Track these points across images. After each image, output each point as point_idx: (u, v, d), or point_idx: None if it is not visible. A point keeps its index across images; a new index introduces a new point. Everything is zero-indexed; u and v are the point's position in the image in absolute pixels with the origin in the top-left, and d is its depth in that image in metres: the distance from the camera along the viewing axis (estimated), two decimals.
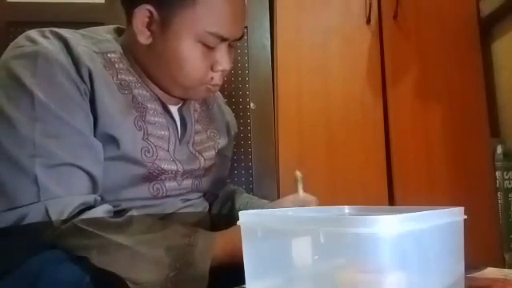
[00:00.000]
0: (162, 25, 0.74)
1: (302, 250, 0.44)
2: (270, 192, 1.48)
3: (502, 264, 1.41)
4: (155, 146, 0.77)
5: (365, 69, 1.53)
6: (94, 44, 0.76)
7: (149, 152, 0.76)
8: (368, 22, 1.56)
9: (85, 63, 0.70)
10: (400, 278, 0.40)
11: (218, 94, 1.02)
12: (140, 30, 0.75)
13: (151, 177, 0.77)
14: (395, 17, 1.56)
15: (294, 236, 0.45)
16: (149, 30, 0.75)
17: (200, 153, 0.87)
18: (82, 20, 1.57)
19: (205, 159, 0.87)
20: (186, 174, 0.84)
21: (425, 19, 1.57)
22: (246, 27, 1.64)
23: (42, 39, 0.70)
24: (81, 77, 0.69)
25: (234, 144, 1.07)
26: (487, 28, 1.59)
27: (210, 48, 0.77)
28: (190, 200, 0.86)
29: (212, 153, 0.90)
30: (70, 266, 0.57)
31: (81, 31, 0.78)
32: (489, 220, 1.44)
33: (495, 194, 1.49)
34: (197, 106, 0.92)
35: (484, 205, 1.45)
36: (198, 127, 0.89)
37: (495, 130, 1.57)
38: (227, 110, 1.05)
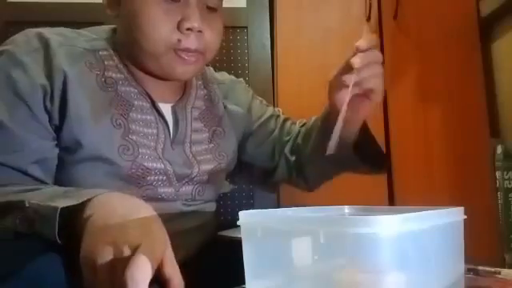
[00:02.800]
0: None
1: (302, 249, 0.44)
2: (270, 192, 1.48)
3: (502, 264, 1.41)
4: (137, 144, 0.74)
5: None
6: (88, 41, 0.76)
7: (128, 150, 0.73)
8: (368, 21, 1.56)
9: (59, 66, 0.70)
10: (400, 278, 0.40)
11: (225, 84, 0.94)
12: (107, 1, 0.75)
13: (137, 178, 0.73)
14: (395, 17, 1.56)
15: (293, 236, 0.45)
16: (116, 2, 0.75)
17: (195, 157, 0.81)
18: (82, 20, 1.58)
19: (199, 165, 0.81)
20: (183, 179, 0.79)
21: (425, 19, 1.57)
22: (246, 27, 1.64)
23: (22, 38, 0.71)
24: (49, 76, 0.69)
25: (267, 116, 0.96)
26: (487, 28, 1.59)
27: (173, 1, 0.71)
28: (194, 204, 0.82)
29: (208, 157, 0.83)
30: (71, 271, 0.56)
31: (80, 30, 0.79)
32: (489, 220, 1.44)
33: (495, 194, 1.49)
34: (199, 102, 0.86)
35: (484, 205, 1.45)
36: (199, 125, 0.84)
37: (495, 130, 1.57)
38: (240, 96, 0.94)
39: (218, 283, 0.65)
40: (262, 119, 0.95)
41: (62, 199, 0.57)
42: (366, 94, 0.72)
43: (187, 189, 0.80)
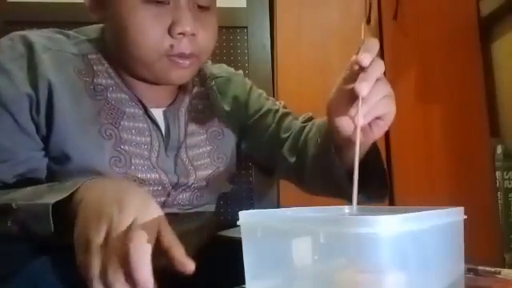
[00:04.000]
0: None
1: (302, 250, 0.44)
2: (270, 192, 1.48)
3: (502, 264, 1.41)
4: (129, 155, 0.70)
5: None
6: (76, 45, 0.72)
7: (120, 161, 0.69)
8: (368, 21, 1.56)
9: (44, 74, 0.65)
10: (400, 278, 0.40)
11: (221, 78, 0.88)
12: (87, 1, 0.70)
13: None
14: (395, 17, 1.55)
15: (294, 236, 0.45)
16: (98, 4, 0.70)
17: (192, 162, 0.78)
18: (82, 20, 1.57)
19: (196, 171, 0.78)
20: (180, 187, 0.76)
21: (425, 19, 1.57)
22: (246, 27, 1.64)
23: (6, 43, 0.68)
24: (34, 85, 0.65)
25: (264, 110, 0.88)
26: (487, 28, 1.59)
27: (161, 4, 0.65)
28: (192, 209, 0.80)
29: (206, 161, 0.80)
30: (70, 270, 0.56)
31: (69, 32, 0.75)
32: (489, 220, 1.44)
33: (495, 194, 1.49)
34: (196, 102, 0.82)
35: (484, 205, 1.45)
36: (195, 127, 0.80)
37: (495, 130, 1.57)
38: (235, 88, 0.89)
39: (218, 283, 0.64)
40: (259, 114, 0.88)
41: (49, 195, 0.56)
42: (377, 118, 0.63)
43: (184, 196, 0.78)
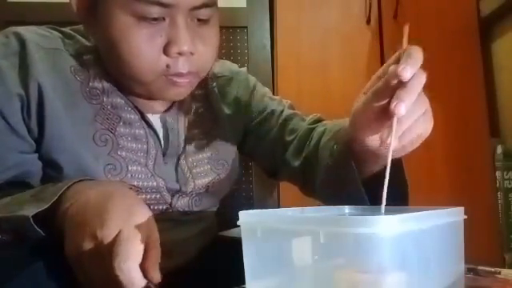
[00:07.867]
0: (93, 4, 0.63)
1: (302, 250, 0.44)
2: (270, 192, 1.48)
3: (502, 264, 1.41)
4: (126, 162, 0.67)
5: (365, 69, 1.54)
6: (72, 44, 0.69)
7: (115, 169, 0.66)
8: (368, 21, 1.56)
9: (35, 76, 0.62)
10: (400, 278, 0.40)
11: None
12: (78, 14, 0.65)
13: None
14: (395, 17, 1.56)
15: (294, 236, 0.45)
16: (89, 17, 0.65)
17: (191, 170, 0.74)
18: None
19: (195, 180, 0.74)
20: (178, 193, 0.73)
21: (425, 19, 1.57)
22: (246, 27, 1.64)
23: (1, 39, 0.64)
24: (25, 86, 0.62)
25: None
26: (487, 28, 1.59)
27: (156, 21, 0.61)
28: (192, 213, 0.77)
29: (206, 168, 0.77)
30: (67, 277, 0.53)
31: (65, 29, 0.72)
32: (489, 220, 1.44)
33: (495, 194, 1.49)
34: (196, 104, 0.79)
35: (484, 205, 1.46)
36: (195, 132, 0.77)
37: (495, 130, 1.57)
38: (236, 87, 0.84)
39: (219, 283, 0.64)
40: (262, 116, 0.84)
41: (30, 204, 0.53)
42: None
43: (182, 202, 0.75)
